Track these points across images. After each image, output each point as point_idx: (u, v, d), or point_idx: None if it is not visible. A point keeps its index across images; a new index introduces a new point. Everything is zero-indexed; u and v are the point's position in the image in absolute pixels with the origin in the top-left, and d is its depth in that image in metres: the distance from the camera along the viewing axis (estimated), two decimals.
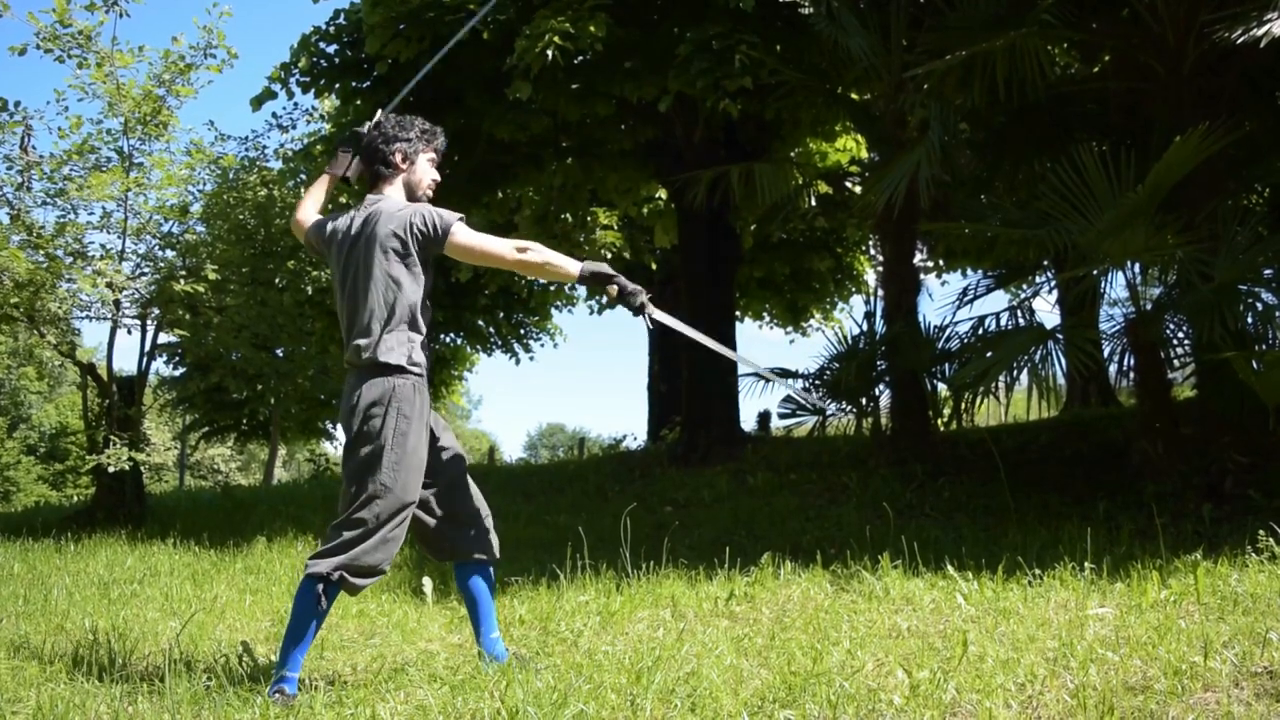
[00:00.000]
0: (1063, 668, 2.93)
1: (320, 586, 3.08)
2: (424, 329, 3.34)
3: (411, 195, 3.50)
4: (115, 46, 9.56)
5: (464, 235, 3.30)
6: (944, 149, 7.81)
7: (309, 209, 3.66)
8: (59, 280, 9.29)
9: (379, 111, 3.68)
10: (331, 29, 11.12)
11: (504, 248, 3.30)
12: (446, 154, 3.62)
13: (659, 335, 18.63)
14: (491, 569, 3.49)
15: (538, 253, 3.29)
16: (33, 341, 11.53)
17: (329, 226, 3.47)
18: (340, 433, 3.53)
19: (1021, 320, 8.22)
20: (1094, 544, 4.84)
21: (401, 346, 3.26)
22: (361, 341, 3.27)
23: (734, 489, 9.43)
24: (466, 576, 3.43)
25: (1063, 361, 7.12)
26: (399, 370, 3.24)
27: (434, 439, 3.38)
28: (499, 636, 3.44)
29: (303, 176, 12.14)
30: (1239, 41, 6.10)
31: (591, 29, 8.45)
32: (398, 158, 3.49)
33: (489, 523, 3.49)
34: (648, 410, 18.92)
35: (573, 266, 3.30)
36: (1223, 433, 6.70)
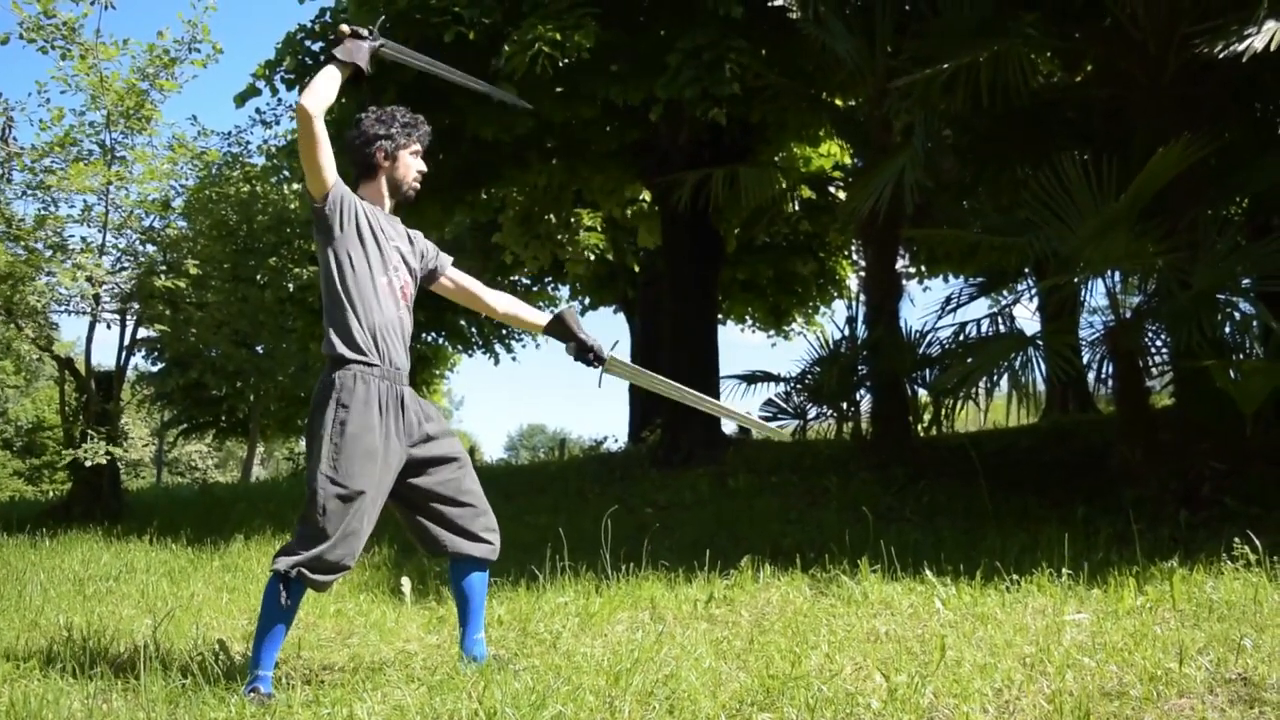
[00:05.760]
0: (1039, 673, 2.94)
1: (281, 584, 3.05)
2: (378, 311, 3.21)
3: (397, 192, 3.39)
4: (99, 39, 9.53)
5: (306, 176, 3.24)
6: (927, 154, 7.83)
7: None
8: (38, 273, 9.23)
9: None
10: (316, 27, 11.06)
11: (303, 127, 3.26)
12: (430, 152, 3.53)
13: (640, 336, 18.66)
14: (486, 569, 3.39)
15: (308, 94, 3.34)
16: (10, 334, 11.45)
17: None
18: None
19: (1002, 327, 8.24)
20: (1071, 549, 4.87)
21: (343, 336, 3.17)
22: (323, 340, 3.25)
23: (715, 491, 9.43)
24: (461, 575, 3.34)
25: (1042, 368, 7.16)
26: (342, 361, 3.15)
27: (421, 432, 3.28)
28: (483, 638, 3.38)
29: (285, 174, 12.09)
30: (1221, 56, 6.13)
31: (578, 39, 8.39)
32: (379, 157, 3.36)
33: (488, 520, 3.37)
34: (629, 411, 18.92)
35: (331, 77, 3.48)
36: (1200, 440, 6.75)
